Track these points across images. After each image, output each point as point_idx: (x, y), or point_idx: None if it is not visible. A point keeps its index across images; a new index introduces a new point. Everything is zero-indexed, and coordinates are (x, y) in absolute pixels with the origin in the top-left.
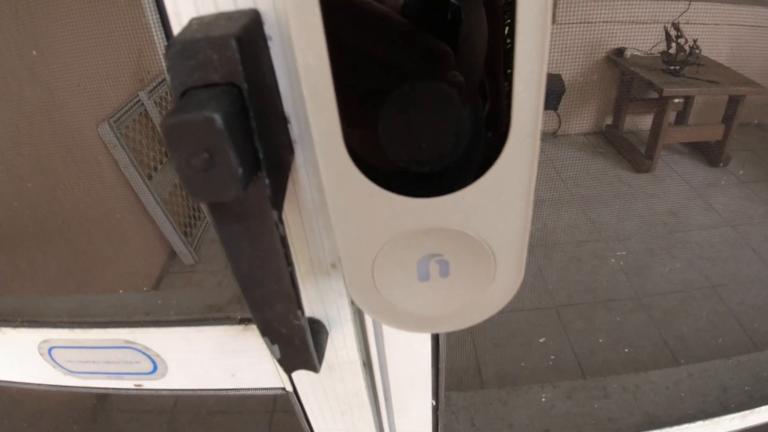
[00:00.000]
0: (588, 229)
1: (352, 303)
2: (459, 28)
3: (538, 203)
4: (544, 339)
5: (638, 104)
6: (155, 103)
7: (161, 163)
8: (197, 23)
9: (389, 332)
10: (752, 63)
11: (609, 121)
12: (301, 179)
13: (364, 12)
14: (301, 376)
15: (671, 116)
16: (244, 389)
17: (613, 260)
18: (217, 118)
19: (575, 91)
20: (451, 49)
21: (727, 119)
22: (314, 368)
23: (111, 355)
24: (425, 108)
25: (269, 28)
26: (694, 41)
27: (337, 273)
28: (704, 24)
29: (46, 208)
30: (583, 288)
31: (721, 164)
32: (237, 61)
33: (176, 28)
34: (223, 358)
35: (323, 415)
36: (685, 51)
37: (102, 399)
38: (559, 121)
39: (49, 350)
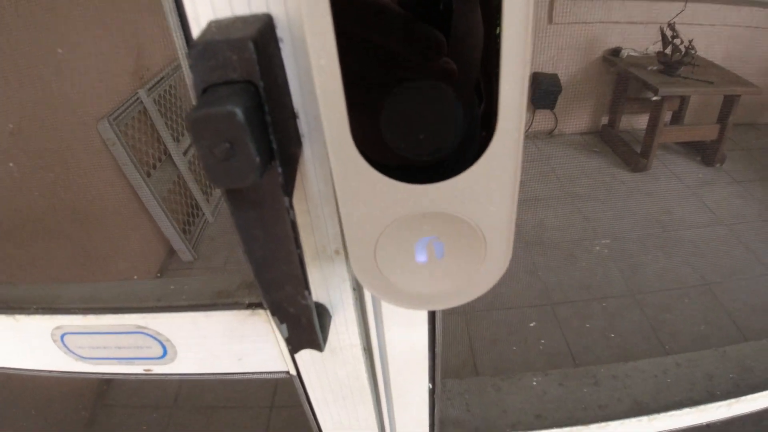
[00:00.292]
0: (583, 226)
1: (354, 288)
2: (451, 24)
3: (534, 201)
4: (541, 335)
5: (634, 104)
6: (154, 101)
7: (160, 161)
8: (216, 26)
9: (388, 317)
10: (747, 63)
11: (605, 120)
12: (308, 171)
13: (367, 7)
14: (304, 359)
15: (667, 116)
16: (250, 373)
17: (607, 257)
18: (239, 112)
19: (572, 91)
20: (445, 39)
21: (722, 119)
22: (319, 347)
23: (122, 340)
24: (423, 104)
25: (281, 31)
26: (690, 42)
27: (340, 259)
28: (700, 24)
29: (44, 204)
30: (577, 284)
31: (717, 164)
32: (254, 61)
33: (195, 30)
34: (231, 342)
35: (325, 399)
36: (680, 51)
37: (102, 395)
38: (556, 121)
39: (62, 336)
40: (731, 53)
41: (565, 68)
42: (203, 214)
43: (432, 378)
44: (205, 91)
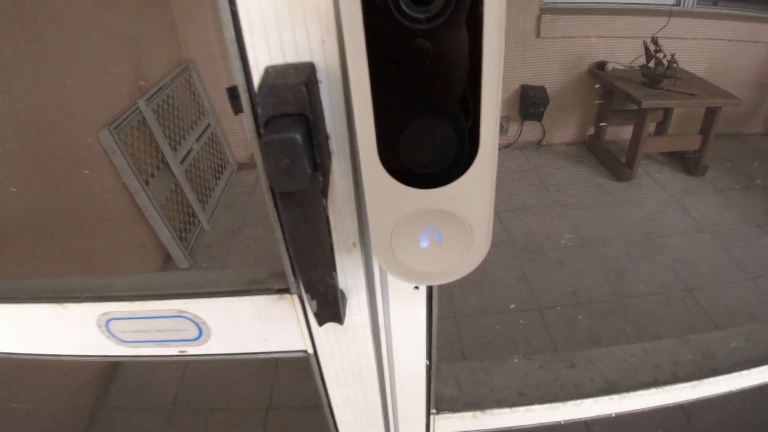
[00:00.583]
0: (570, 234)
1: (366, 275)
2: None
3: (523, 209)
4: (521, 319)
5: (619, 115)
6: (153, 111)
7: (158, 169)
8: (273, 71)
9: (394, 301)
10: (729, 76)
11: (591, 131)
12: (335, 180)
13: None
14: (321, 339)
15: (651, 127)
16: (274, 352)
17: (593, 264)
18: (298, 138)
19: (559, 103)
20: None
21: (705, 130)
22: (340, 320)
23: (163, 324)
24: (429, 135)
25: (320, 75)
26: (672, 55)
27: (356, 250)
28: (683, 38)
29: (46, 209)
30: (564, 291)
31: (699, 173)
32: (306, 99)
33: (254, 71)
34: (259, 323)
35: (336, 376)
36: (663, 65)
37: (101, 397)
38: (543, 132)
39: (107, 322)
40: (713, 66)
41: (552, 81)
42: (199, 221)
43: (429, 355)
44: (268, 121)
